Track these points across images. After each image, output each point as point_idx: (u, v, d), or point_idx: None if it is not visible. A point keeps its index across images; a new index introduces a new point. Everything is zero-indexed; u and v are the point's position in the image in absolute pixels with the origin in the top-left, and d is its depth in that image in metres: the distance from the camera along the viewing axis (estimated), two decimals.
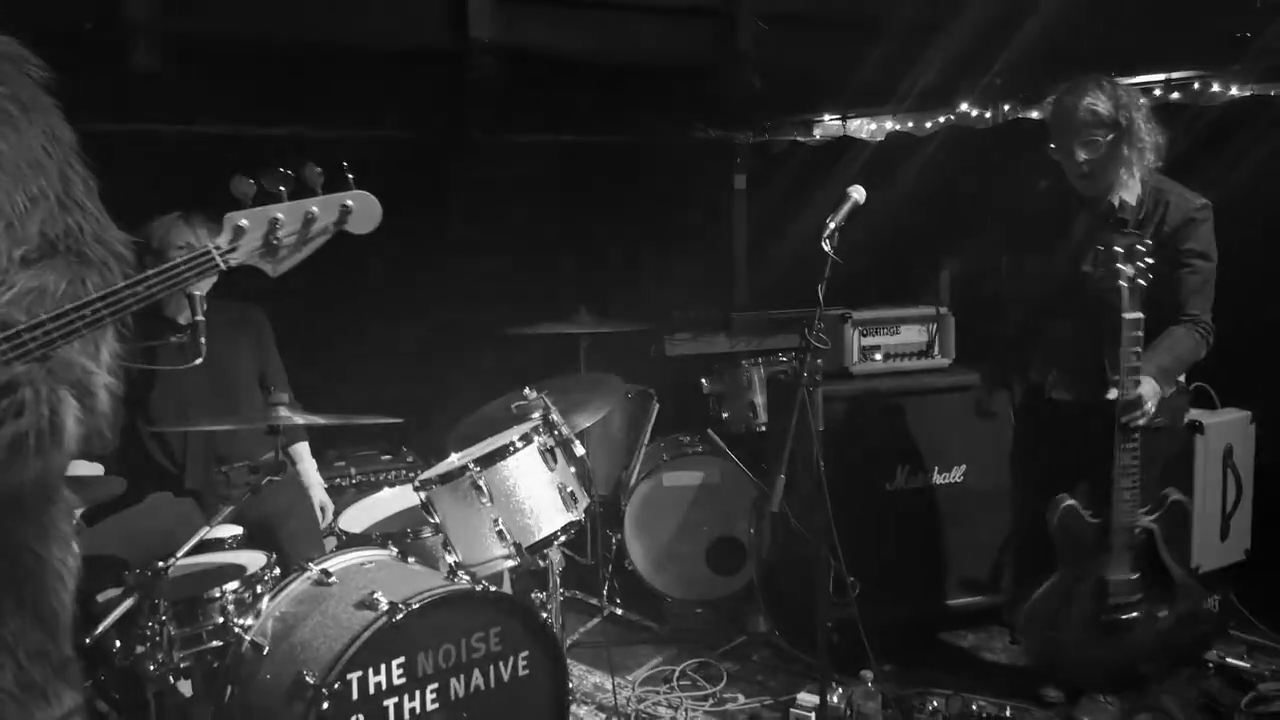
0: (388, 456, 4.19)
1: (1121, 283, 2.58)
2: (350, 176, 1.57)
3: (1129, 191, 2.84)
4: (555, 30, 3.97)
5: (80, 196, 1.52)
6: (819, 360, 2.69)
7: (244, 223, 1.48)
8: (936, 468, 3.65)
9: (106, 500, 2.53)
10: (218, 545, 2.75)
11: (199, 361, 2.35)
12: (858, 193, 2.68)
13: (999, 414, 3.62)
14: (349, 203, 1.55)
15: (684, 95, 4.85)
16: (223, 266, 1.49)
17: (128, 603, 2.22)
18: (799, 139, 5.67)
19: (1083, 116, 2.75)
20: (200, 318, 2.46)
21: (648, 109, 4.90)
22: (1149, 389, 2.65)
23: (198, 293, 2.54)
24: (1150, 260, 2.59)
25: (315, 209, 1.52)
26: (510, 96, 3.94)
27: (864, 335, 3.72)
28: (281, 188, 1.50)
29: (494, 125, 4.53)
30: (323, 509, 3.34)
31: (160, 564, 2.24)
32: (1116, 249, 2.60)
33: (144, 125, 3.73)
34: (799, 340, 2.72)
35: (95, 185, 1.56)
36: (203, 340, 2.42)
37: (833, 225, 2.61)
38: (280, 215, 1.49)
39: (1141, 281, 2.59)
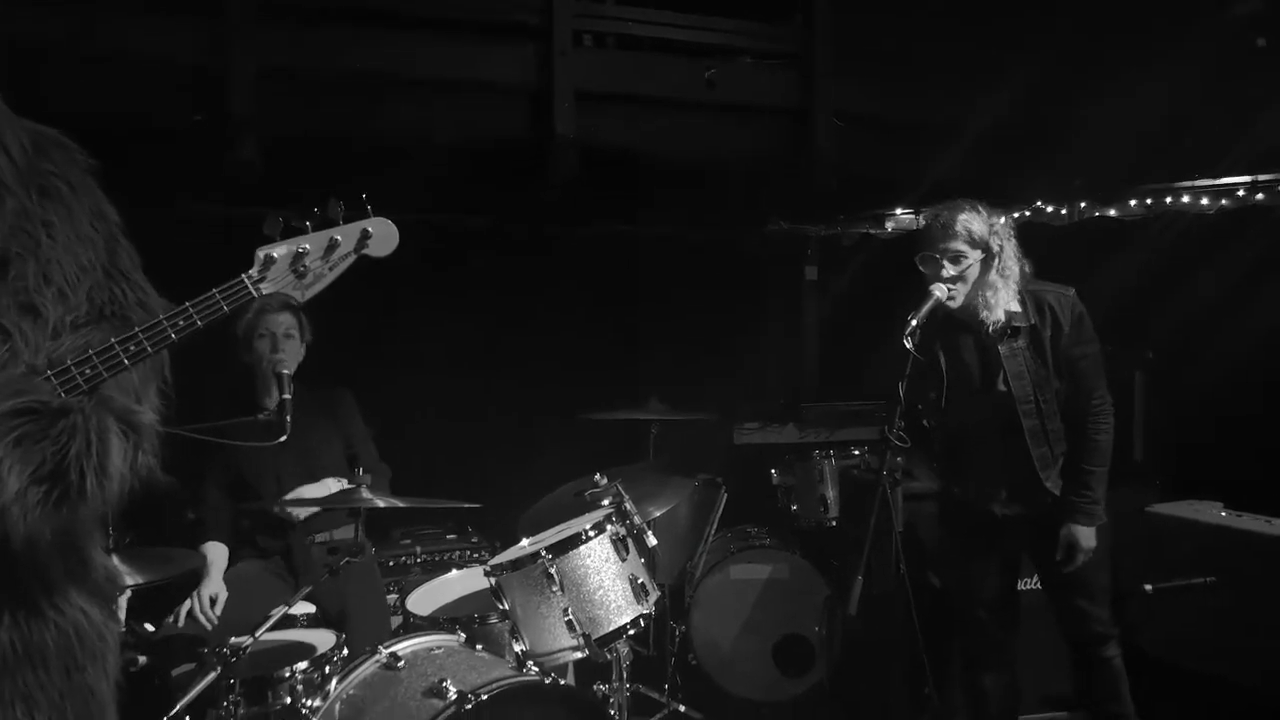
0: (453, 536, 4.18)
1: None
2: (369, 206, 1.69)
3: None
4: (634, 128, 4.08)
5: (125, 268, 1.65)
6: (899, 458, 2.63)
7: (273, 254, 1.62)
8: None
9: (180, 576, 2.56)
10: (290, 622, 2.76)
11: (284, 439, 2.41)
12: (940, 290, 2.66)
13: None
14: (369, 228, 1.67)
15: (759, 190, 4.91)
16: (254, 294, 1.61)
17: (207, 679, 2.21)
18: (871, 231, 5.68)
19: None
20: (287, 396, 2.53)
21: (722, 203, 4.97)
22: None
23: (285, 372, 2.64)
24: None
25: (338, 236, 1.65)
26: (588, 190, 4.04)
27: None
28: (308, 223, 1.64)
29: (572, 217, 4.64)
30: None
31: (240, 641, 2.25)
32: None
33: (246, 209, 3.91)
34: (878, 436, 2.67)
35: (138, 259, 1.69)
36: (288, 418, 2.48)
37: (914, 322, 2.57)
38: (306, 245, 1.63)
39: None
